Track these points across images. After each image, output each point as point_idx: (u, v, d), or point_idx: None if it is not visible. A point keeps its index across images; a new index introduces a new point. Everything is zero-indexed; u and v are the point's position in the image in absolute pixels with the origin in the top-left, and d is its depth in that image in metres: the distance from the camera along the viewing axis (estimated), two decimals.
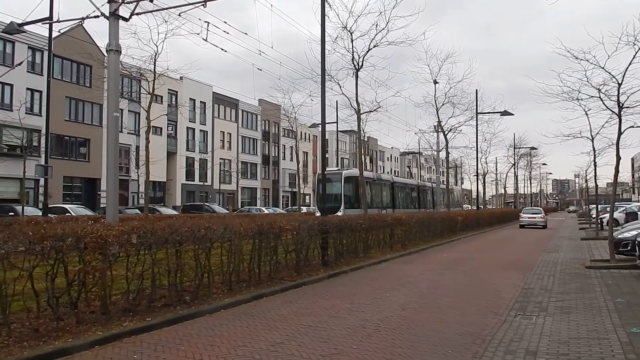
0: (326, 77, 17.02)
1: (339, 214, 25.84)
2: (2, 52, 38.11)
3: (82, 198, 43.21)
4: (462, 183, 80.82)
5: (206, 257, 9.38)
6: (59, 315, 6.86)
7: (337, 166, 56.94)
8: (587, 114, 16.98)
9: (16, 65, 32.75)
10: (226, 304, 9.07)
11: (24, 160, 28.96)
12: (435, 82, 34.32)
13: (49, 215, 22.95)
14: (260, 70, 39.02)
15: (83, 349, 6.33)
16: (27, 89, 38.75)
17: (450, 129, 37.82)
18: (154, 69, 23.57)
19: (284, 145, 74.04)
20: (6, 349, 6.00)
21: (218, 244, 9.98)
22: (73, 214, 26.56)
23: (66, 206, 31.59)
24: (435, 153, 43.17)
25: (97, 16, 13.33)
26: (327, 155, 17.74)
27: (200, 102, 58.88)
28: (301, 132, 66.70)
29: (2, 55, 38.03)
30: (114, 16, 12.83)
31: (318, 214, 26.16)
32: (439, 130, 37.78)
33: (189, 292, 9.02)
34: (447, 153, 40.82)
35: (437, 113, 35.33)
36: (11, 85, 37.83)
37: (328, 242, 14.33)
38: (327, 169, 31.92)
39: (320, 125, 16.88)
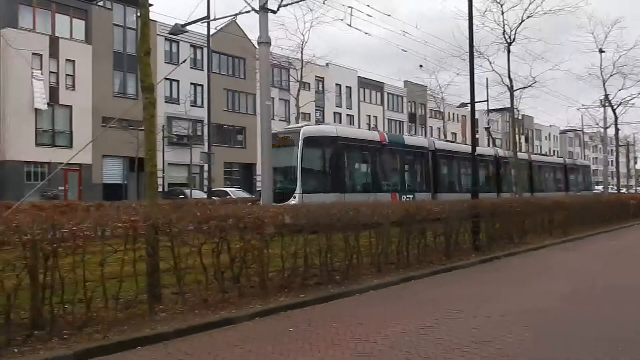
0: (475, 53, 16.28)
1: (293, 201, 16.94)
2: (169, 52, 42.12)
3: (240, 182, 46.51)
4: (635, 163, 72.55)
5: (355, 239, 9.57)
6: (224, 288, 7.50)
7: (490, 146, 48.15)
8: None
9: (181, 63, 35.97)
10: (375, 284, 9.18)
11: (190, 148, 31.94)
12: (601, 52, 31.27)
13: (213, 197, 25.09)
14: (405, 51, 38.57)
15: (245, 319, 6.88)
16: (191, 83, 42.45)
17: (620, 103, 34.20)
18: (302, 57, 24.60)
19: (431, 127, 72.49)
20: (181, 315, 6.73)
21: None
22: (233, 197, 28.71)
23: (227, 189, 34.21)
24: (601, 130, 39.25)
25: (248, 11, 14.22)
26: (477, 136, 16.97)
27: (346, 87, 59.84)
28: (449, 113, 64.78)
29: (169, 55, 42.03)
30: (264, 10, 13.56)
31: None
32: (606, 104, 34.31)
33: (339, 272, 9.28)
34: (617, 130, 36.90)
35: (604, 85, 32.22)
36: (177, 81, 41.74)
37: (479, 226, 13.79)
38: (284, 128, 21.73)
39: (469, 105, 16.24)
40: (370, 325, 6.68)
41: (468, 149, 30.25)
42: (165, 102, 40.52)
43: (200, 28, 30.05)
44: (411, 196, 21.83)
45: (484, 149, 32.56)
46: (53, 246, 5.85)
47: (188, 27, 20.74)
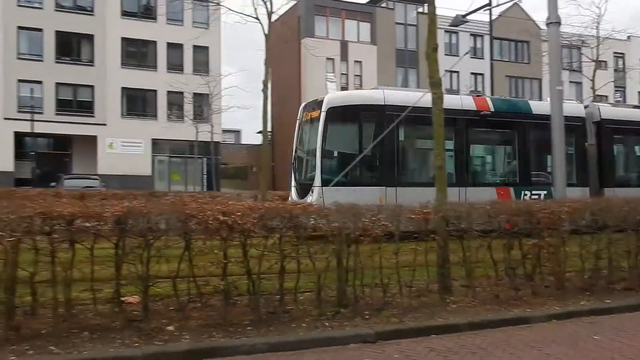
0: None
1: (310, 199, 12.68)
2: (448, 44, 42.30)
3: None
4: None
5: None
6: (515, 285, 7.23)
7: None
8: None
9: (464, 55, 35.95)
10: None
11: None
12: None
13: None
14: None
15: (540, 320, 6.52)
16: (471, 73, 41.95)
17: None
18: (597, 34, 21.92)
19: None
20: (472, 309, 6.73)
21: None
22: None
23: None
24: None
25: None
26: None
27: None
28: None
29: (449, 46, 42.21)
30: None
31: (292, 197, 14.36)
32: None
33: None
34: None
35: None
36: (457, 72, 41.69)
37: None
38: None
39: None
40: None
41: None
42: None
43: (480, 16, 29.46)
44: (543, 192, 14.71)
45: None
46: (356, 234, 6.47)
47: (468, 17, 20.54)
